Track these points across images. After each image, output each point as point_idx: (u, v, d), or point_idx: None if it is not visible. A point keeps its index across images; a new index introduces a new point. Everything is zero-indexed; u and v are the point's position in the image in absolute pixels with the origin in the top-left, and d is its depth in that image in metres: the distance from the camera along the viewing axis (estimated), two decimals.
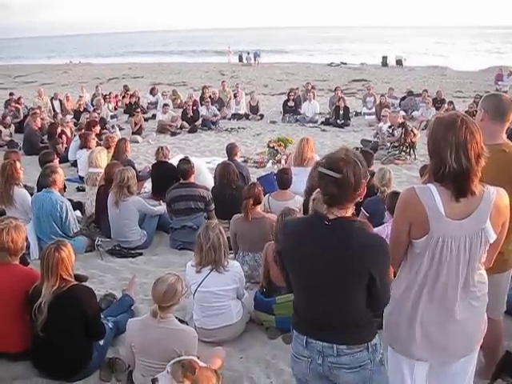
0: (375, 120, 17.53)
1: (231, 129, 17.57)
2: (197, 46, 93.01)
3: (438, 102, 19.08)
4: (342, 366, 2.90)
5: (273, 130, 17.25)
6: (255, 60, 45.50)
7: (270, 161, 12.48)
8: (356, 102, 22.42)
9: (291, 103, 19.49)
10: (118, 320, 5.16)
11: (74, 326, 4.43)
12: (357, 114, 19.77)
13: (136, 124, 16.64)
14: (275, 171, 9.57)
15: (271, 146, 12.67)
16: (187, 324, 4.96)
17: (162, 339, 4.11)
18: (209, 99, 19.38)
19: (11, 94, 20.89)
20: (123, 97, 22.17)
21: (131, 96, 21.65)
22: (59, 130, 13.96)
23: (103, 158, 9.35)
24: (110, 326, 4.99)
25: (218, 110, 19.16)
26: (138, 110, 17.96)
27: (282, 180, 7.55)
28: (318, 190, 6.19)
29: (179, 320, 4.58)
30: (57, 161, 9.40)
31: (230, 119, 19.33)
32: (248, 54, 47.43)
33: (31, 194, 7.77)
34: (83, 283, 5.12)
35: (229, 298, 5.15)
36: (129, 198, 7.58)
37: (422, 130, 15.15)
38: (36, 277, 4.60)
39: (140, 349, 4.20)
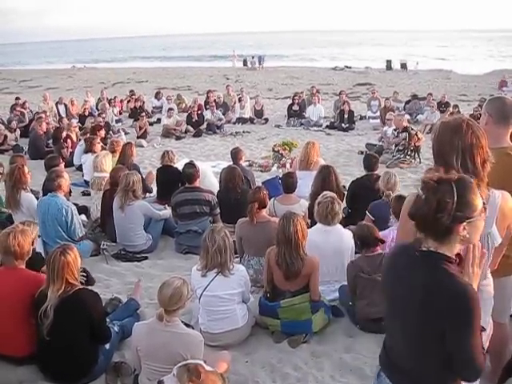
0: (380, 124, 17.50)
1: (236, 133, 17.57)
2: (200, 50, 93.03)
3: (442, 106, 19.06)
4: None
5: (277, 134, 17.25)
6: (260, 64, 45.54)
7: (275, 165, 12.46)
8: (361, 106, 22.43)
9: (296, 107, 19.48)
10: (123, 324, 5.16)
11: (79, 329, 4.44)
12: (361, 117, 19.77)
13: (141, 128, 16.68)
14: (280, 175, 9.56)
15: (276, 149, 12.65)
16: (193, 328, 4.96)
17: (168, 343, 4.11)
18: (213, 103, 19.37)
19: (17, 99, 20.96)
20: (128, 101, 22.20)
21: (136, 100, 21.69)
22: (64, 135, 14.00)
23: (108, 162, 9.35)
24: (116, 329, 5.00)
25: (223, 114, 19.18)
26: (143, 114, 18.01)
27: (287, 184, 7.55)
28: (324, 193, 6.23)
29: (185, 324, 4.58)
30: (62, 165, 9.41)
31: (234, 123, 19.33)
32: (253, 58, 47.47)
33: (37, 198, 7.79)
34: (89, 287, 5.13)
35: (234, 302, 5.16)
36: (134, 202, 7.59)
37: (427, 133, 15.14)
38: (42, 281, 4.61)
39: (146, 353, 4.21)
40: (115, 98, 22.03)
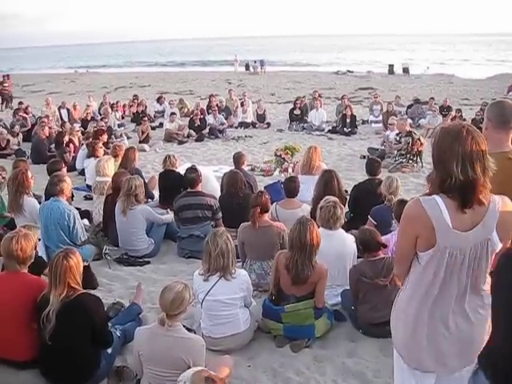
0: (382, 128, 17.50)
1: (238, 137, 17.57)
2: (201, 55, 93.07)
3: (444, 110, 19.05)
4: None
5: (280, 139, 17.26)
6: (261, 68, 45.56)
7: (277, 169, 12.46)
8: (363, 110, 22.41)
9: (297, 111, 19.50)
10: (125, 328, 5.16)
11: (81, 334, 4.44)
12: (364, 122, 19.75)
13: (143, 133, 16.69)
14: (282, 180, 9.57)
15: (278, 154, 12.65)
16: (195, 332, 4.96)
17: (170, 348, 4.11)
18: (216, 108, 19.38)
19: (20, 103, 20.99)
20: (130, 106, 22.23)
21: (138, 105, 21.72)
22: (67, 139, 14.05)
23: (110, 166, 9.37)
24: (118, 334, 5.00)
25: (225, 118, 19.18)
26: (145, 118, 18.01)
27: (290, 188, 7.56)
28: (326, 198, 6.24)
29: (187, 328, 4.57)
30: (64, 170, 9.43)
31: (236, 128, 19.33)
32: (255, 62, 47.52)
33: (39, 203, 7.80)
34: (91, 291, 5.14)
35: (236, 307, 5.15)
36: (136, 206, 7.60)
37: (429, 137, 15.13)
38: (44, 285, 4.62)
39: (148, 357, 4.20)
40: (118, 102, 22.06)
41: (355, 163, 13.49)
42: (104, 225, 8.32)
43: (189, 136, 17.55)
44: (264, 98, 26.10)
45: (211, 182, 9.55)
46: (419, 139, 12.87)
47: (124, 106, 22.52)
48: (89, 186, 10.71)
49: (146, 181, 9.55)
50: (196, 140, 17.33)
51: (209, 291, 5.06)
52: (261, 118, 19.96)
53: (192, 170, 8.06)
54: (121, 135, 17.03)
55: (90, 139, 13.03)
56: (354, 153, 14.94)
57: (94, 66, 69.85)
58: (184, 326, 4.45)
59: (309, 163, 9.27)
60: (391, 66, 43.54)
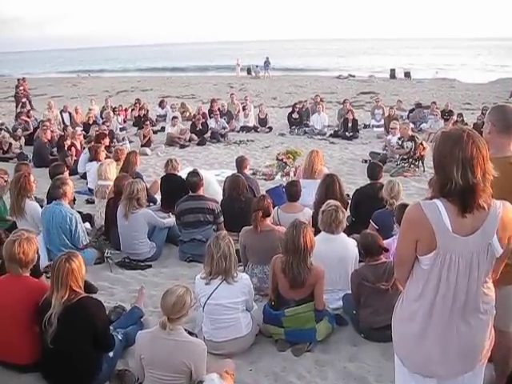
0: (384, 132, 17.50)
1: (240, 141, 17.58)
2: (203, 60, 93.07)
3: (446, 114, 19.06)
4: None
5: (281, 143, 17.25)
6: (265, 69, 45.47)
7: (279, 173, 12.47)
8: (364, 115, 22.43)
9: (296, 115, 19.56)
10: (127, 332, 5.16)
11: (83, 337, 4.44)
12: (365, 126, 19.75)
13: (145, 136, 16.70)
14: (284, 184, 9.57)
15: (280, 158, 12.66)
16: (196, 336, 4.96)
17: (172, 351, 4.12)
18: (218, 112, 19.40)
19: (23, 107, 21.01)
20: (132, 109, 22.25)
21: (140, 109, 21.74)
22: (69, 143, 14.06)
23: (112, 170, 9.37)
24: (120, 337, 4.99)
25: (227, 122, 19.18)
26: (147, 122, 18.03)
27: (291, 192, 7.56)
28: (328, 202, 6.24)
29: (188, 332, 4.58)
30: (67, 173, 9.43)
31: (238, 132, 19.33)
32: (257, 66, 47.51)
33: (41, 206, 7.81)
34: (92, 295, 5.14)
35: (238, 311, 5.15)
36: (138, 210, 7.61)
37: (431, 142, 15.14)
38: (46, 289, 4.62)
39: (149, 361, 4.21)
40: (120, 106, 22.06)
41: (357, 167, 13.49)
42: (106, 228, 8.34)
43: (190, 140, 17.56)
44: (266, 102, 26.16)
45: (213, 186, 9.55)
46: (421, 143, 12.88)
47: (126, 109, 22.54)
48: (91, 190, 10.73)
49: (148, 185, 9.54)
50: (198, 144, 17.33)
51: (210, 295, 5.06)
52: (262, 122, 19.98)
53: (194, 173, 8.07)
54: (123, 139, 17.04)
55: (92, 143, 13.08)
56: (355, 157, 14.94)
57: (96, 70, 69.81)
58: (186, 330, 4.46)
59: (310, 167, 9.27)
60: (393, 71, 43.60)
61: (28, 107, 23.09)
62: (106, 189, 9.01)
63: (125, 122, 21.07)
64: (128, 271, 7.41)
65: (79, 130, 16.97)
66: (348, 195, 8.47)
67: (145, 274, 7.36)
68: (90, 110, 20.43)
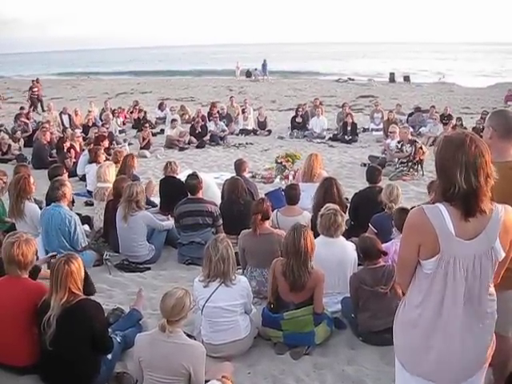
0: (383, 136, 17.52)
1: (239, 144, 17.61)
2: (202, 63, 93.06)
3: (445, 118, 19.07)
4: None
5: (280, 146, 17.26)
6: (263, 72, 45.47)
7: (278, 176, 12.48)
8: (363, 118, 22.45)
9: (299, 119, 19.50)
10: (126, 334, 5.16)
11: (81, 340, 4.44)
12: (364, 130, 19.76)
13: (144, 139, 16.69)
14: (283, 187, 9.58)
15: (279, 161, 12.66)
16: (195, 339, 4.96)
17: (171, 354, 4.12)
18: (217, 114, 19.42)
19: (22, 109, 21.02)
20: (132, 112, 22.26)
21: (139, 111, 21.75)
22: (68, 145, 14.07)
23: (112, 172, 9.37)
24: (119, 340, 4.99)
25: (226, 125, 19.20)
26: (147, 125, 18.04)
27: (290, 196, 7.57)
28: (326, 206, 6.25)
29: (187, 335, 4.58)
30: (66, 175, 9.43)
31: (237, 135, 19.35)
32: (256, 69, 47.54)
33: (40, 208, 7.81)
34: (91, 297, 5.14)
35: (237, 314, 5.15)
36: (137, 212, 7.61)
37: (430, 145, 15.18)
38: (45, 291, 4.62)
39: (148, 363, 4.21)
40: (119, 108, 22.07)
41: (356, 171, 13.51)
42: (105, 231, 8.33)
43: (190, 143, 17.57)
44: (265, 106, 26.13)
45: (212, 189, 9.55)
46: (421, 148, 12.89)
47: (125, 111, 22.52)
48: (90, 192, 10.73)
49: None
50: (197, 147, 17.35)
51: (209, 298, 5.06)
52: (262, 125, 19.99)
53: (193, 176, 8.07)
54: (124, 141, 17.06)
55: (92, 145, 13.07)
56: (354, 160, 14.96)
57: (95, 72, 69.83)
58: (184, 333, 4.46)
59: (310, 171, 9.28)
60: (392, 74, 43.68)
61: (39, 109, 23.17)
62: (105, 191, 9.01)
63: (124, 124, 21.09)
64: (127, 273, 7.41)
65: (78, 131, 16.95)
66: (347, 199, 8.48)
67: (144, 276, 7.35)
68: (89, 111, 20.42)
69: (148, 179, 11.91)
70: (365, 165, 13.38)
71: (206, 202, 7.90)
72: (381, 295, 5.29)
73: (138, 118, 21.09)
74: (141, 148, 16.38)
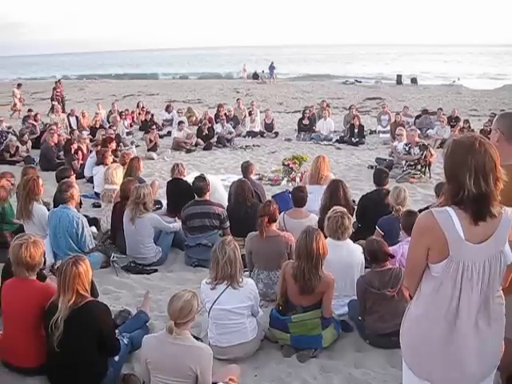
0: (390, 138, 17.50)
1: (246, 146, 17.60)
2: (208, 65, 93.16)
3: (452, 121, 19.02)
4: None
5: (287, 148, 17.26)
6: (271, 74, 45.52)
7: (285, 178, 12.46)
8: (371, 120, 22.44)
9: (306, 121, 19.47)
10: (133, 336, 5.17)
11: (89, 341, 4.44)
12: (371, 132, 19.75)
13: (151, 141, 16.74)
14: (290, 189, 9.57)
15: (286, 163, 12.65)
16: (202, 341, 4.96)
17: (178, 356, 4.12)
18: (224, 117, 19.42)
19: (29, 111, 21.10)
20: (139, 114, 22.30)
21: (147, 113, 21.78)
22: (75, 146, 14.10)
23: (119, 174, 9.39)
24: (126, 342, 5.00)
25: (233, 127, 19.19)
26: (154, 127, 18.07)
27: (298, 198, 7.56)
28: (334, 208, 6.24)
29: (194, 337, 4.58)
30: (73, 177, 9.45)
31: (244, 137, 19.33)
32: (263, 71, 47.59)
33: (48, 210, 7.83)
34: (97, 299, 5.15)
35: (244, 316, 5.15)
36: (145, 214, 7.62)
37: (438, 148, 15.16)
38: (52, 292, 4.62)
39: (155, 365, 4.21)
40: (126, 110, 22.11)
41: (363, 173, 13.48)
42: (112, 232, 8.35)
43: (197, 145, 17.59)
44: (272, 108, 26.13)
45: (219, 191, 9.54)
46: (430, 150, 12.85)
47: (133, 113, 22.56)
48: (97, 194, 10.77)
49: None
50: (204, 149, 17.36)
51: (216, 300, 5.06)
52: (269, 127, 19.98)
53: (200, 178, 8.08)
54: (132, 143, 17.09)
55: (99, 147, 13.09)
56: (361, 163, 14.93)
57: (102, 74, 70.00)
58: (191, 335, 4.46)
59: (317, 173, 9.26)
60: (399, 76, 43.64)
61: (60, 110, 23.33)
62: (112, 193, 9.03)
63: (131, 126, 21.13)
64: (134, 275, 7.42)
65: (86, 133, 17.01)
66: (354, 201, 8.47)
67: (150, 278, 7.36)
68: (96, 113, 20.48)
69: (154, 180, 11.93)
70: (372, 167, 13.36)
71: (213, 204, 7.90)
72: (388, 298, 5.28)
73: (145, 119, 21.13)
74: (148, 150, 16.44)
